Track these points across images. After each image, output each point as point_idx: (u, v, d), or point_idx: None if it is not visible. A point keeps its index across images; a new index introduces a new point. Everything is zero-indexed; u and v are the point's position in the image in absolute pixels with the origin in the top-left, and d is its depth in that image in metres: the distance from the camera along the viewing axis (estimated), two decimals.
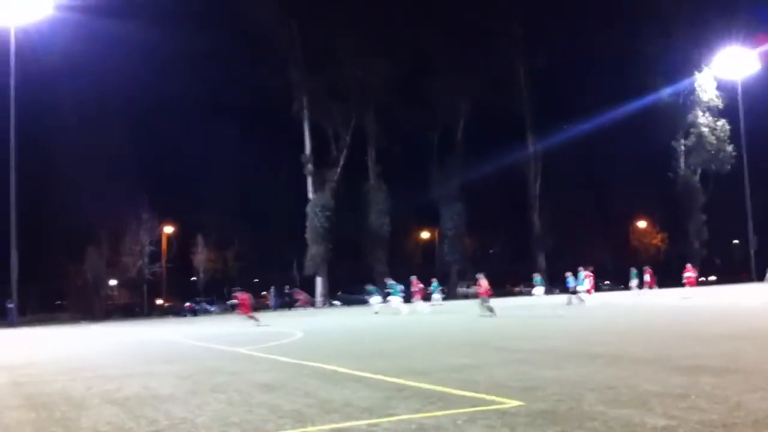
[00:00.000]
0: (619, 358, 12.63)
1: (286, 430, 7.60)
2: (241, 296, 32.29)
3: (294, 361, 14.84)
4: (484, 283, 29.05)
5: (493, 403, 8.37)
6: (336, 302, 64.07)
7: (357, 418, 7.90)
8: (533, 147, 73.04)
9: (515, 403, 8.25)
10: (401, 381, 10.63)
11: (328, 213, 66.38)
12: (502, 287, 62.45)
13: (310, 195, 68.02)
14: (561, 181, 71.18)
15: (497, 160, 68.21)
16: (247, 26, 62.71)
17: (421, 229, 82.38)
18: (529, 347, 15.68)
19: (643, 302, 36.50)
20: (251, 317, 30.57)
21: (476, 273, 30.95)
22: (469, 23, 66.27)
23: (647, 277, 44.51)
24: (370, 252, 69.42)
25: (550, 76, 67.55)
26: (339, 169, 68.30)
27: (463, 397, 8.89)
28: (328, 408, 8.72)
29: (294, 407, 8.90)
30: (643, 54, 65.95)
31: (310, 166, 68.09)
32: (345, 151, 68.66)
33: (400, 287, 38.51)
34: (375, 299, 40.79)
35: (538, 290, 44.97)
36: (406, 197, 68.26)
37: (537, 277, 46.34)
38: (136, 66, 62.11)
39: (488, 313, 27.70)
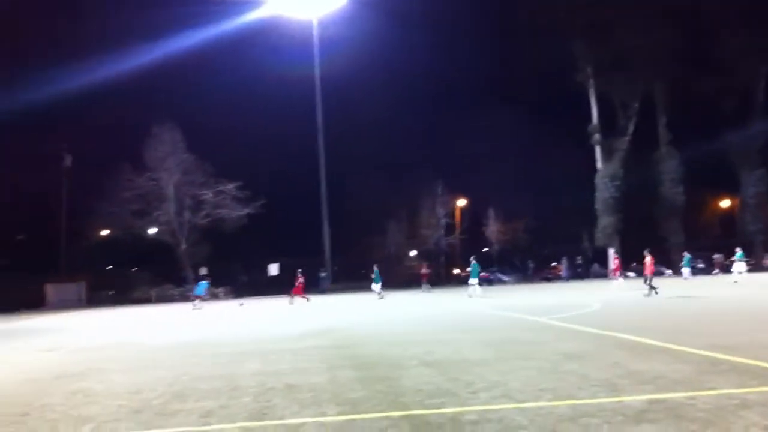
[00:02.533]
0: None
1: (600, 398, 7.69)
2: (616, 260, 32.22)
3: (595, 331, 14.79)
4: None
5: None
6: (630, 274, 62.02)
7: (672, 390, 7.88)
8: None
9: None
10: (712, 354, 10.32)
11: (617, 183, 64.39)
12: None
13: (599, 165, 66.40)
14: None
15: None
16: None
17: (719, 197, 76.66)
18: None
19: None
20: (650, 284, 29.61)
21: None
22: None
23: None
24: (664, 223, 66.15)
25: None
26: (628, 138, 65.76)
27: None
28: (639, 379, 8.72)
29: (604, 376, 8.99)
30: None
31: (597, 136, 66.38)
32: (633, 119, 65.93)
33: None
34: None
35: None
36: (701, 164, 63.83)
37: None
38: (427, 46, 64.72)
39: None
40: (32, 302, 50.18)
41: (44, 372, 12.64)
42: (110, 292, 60.82)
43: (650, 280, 27.79)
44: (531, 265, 66.80)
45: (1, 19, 57.82)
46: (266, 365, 11.78)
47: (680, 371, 9.12)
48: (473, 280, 36.43)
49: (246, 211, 58.00)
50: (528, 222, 69.56)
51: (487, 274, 61.70)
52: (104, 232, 62.67)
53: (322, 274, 54.06)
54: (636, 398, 7.63)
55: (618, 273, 39.54)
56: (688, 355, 10.52)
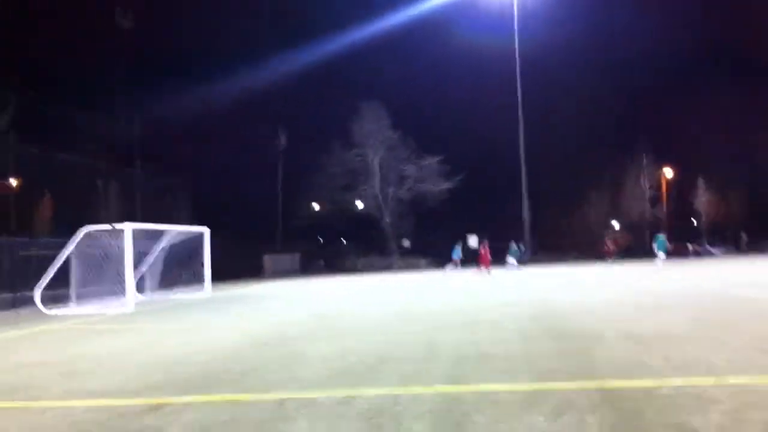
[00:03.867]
0: None
1: None
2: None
3: None
4: None
5: None
6: None
7: None
8: None
9: None
10: None
11: None
12: None
13: None
14: None
15: None
16: None
17: None
18: None
19: None
20: None
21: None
22: None
23: None
24: None
25: None
26: None
27: None
28: None
29: None
30: None
31: None
32: None
33: None
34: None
35: None
36: None
37: None
38: (630, 11, 62.24)
39: None
40: (253, 271, 54.38)
41: (264, 336, 14.00)
42: (321, 262, 64.67)
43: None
44: (744, 237, 62.35)
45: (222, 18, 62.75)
46: (463, 334, 12.32)
47: None
48: (661, 254, 35.87)
49: (447, 185, 59.21)
50: (741, 192, 65.23)
51: (694, 248, 58.84)
52: (316, 207, 66.60)
53: (515, 248, 54.14)
54: None
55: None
56: None
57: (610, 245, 51.20)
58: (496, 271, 38.46)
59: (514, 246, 44.34)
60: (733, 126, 63.71)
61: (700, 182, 66.03)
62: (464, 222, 58.86)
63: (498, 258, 42.68)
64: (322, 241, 74.58)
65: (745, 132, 63.12)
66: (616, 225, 64.45)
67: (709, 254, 58.47)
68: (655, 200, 66.03)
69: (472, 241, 57.73)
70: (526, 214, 56.10)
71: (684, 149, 63.12)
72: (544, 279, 31.70)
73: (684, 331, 11.46)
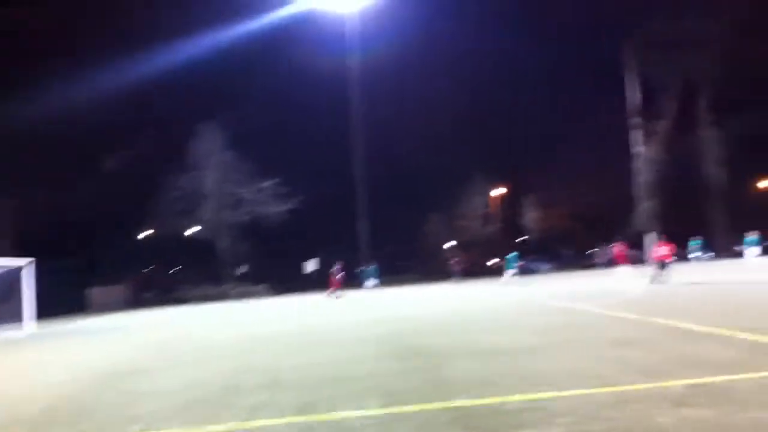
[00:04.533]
0: None
1: (643, 383, 7.72)
2: (618, 247, 31.92)
3: (638, 317, 14.76)
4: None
5: None
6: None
7: (717, 373, 7.88)
8: None
9: None
10: (755, 337, 10.26)
11: (658, 166, 63.61)
12: None
13: (639, 148, 65.62)
14: None
15: None
16: None
17: (764, 178, 75.15)
18: None
19: None
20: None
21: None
22: None
23: None
24: (706, 205, 65.23)
25: None
26: (668, 120, 64.86)
27: None
28: (683, 363, 8.73)
29: (648, 362, 9.01)
30: None
31: (638, 119, 65.60)
32: (675, 101, 65.00)
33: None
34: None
35: None
36: (745, 145, 62.66)
37: None
38: (464, 33, 64.74)
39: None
40: (76, 305, 51.22)
41: (97, 372, 12.98)
42: (152, 293, 61.98)
43: (660, 267, 26.90)
44: (570, 252, 66.34)
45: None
46: (310, 357, 12.00)
47: (727, 355, 9.10)
48: (510, 270, 37.06)
49: (285, 207, 58.58)
50: (566, 209, 69.29)
51: (524, 263, 61.62)
52: (147, 233, 63.87)
53: (362, 268, 54.34)
54: (680, 383, 7.63)
55: (623, 261, 38.88)
56: (735, 339, 10.47)
57: (455, 263, 52.64)
58: (352, 293, 38.36)
59: (370, 267, 44.56)
60: (558, 144, 67.60)
61: (529, 200, 69.36)
62: (304, 245, 58.56)
63: (352, 279, 42.66)
64: (154, 269, 71.59)
65: (569, 150, 67.10)
66: (452, 244, 66.47)
67: (539, 270, 61.38)
68: (488, 219, 68.72)
69: (310, 265, 57.55)
70: (364, 235, 56.53)
71: (515, 168, 66.12)
72: (391, 298, 32.02)
73: (526, 345, 11.71)
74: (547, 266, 63.80)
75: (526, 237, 71.54)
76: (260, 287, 58.42)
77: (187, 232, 60.83)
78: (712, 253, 61.83)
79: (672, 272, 26.23)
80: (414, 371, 9.80)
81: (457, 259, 54.08)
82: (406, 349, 12.28)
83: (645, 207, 63.87)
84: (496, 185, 68.22)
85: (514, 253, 37.51)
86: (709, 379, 7.66)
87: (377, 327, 17.43)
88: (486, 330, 14.81)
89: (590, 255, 69.34)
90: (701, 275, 31.96)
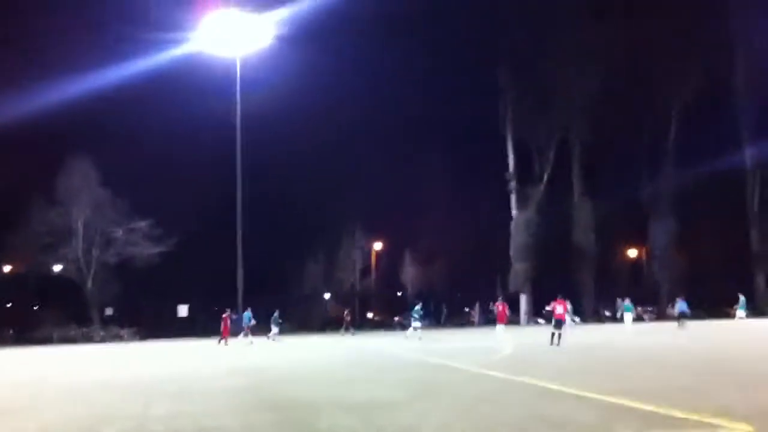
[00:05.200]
0: None
1: None
2: (500, 306, 32.26)
3: (507, 376, 15.02)
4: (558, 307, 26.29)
5: (720, 427, 8.17)
6: (540, 320, 63.22)
7: None
8: (751, 155, 67.74)
9: (745, 428, 8.04)
10: (616, 400, 10.56)
11: (532, 230, 65.86)
12: (716, 308, 58.58)
13: (514, 211, 67.92)
14: None
15: (712, 172, 64.26)
16: (455, 41, 63.47)
17: (630, 246, 79.27)
18: (752, 370, 14.97)
19: None
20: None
21: (682, 293, 29.16)
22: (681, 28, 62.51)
23: None
24: (576, 269, 67.88)
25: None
26: (543, 186, 67.54)
27: (687, 420, 8.75)
28: (548, 423, 8.87)
29: (514, 421, 9.10)
30: None
31: (513, 183, 68.06)
32: (549, 167, 67.84)
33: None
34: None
35: (740, 313, 42.68)
36: (614, 213, 65.94)
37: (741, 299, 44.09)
38: (348, 88, 65.46)
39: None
40: None
41: None
42: (10, 331, 58.17)
43: (557, 326, 27.08)
44: (445, 310, 67.39)
45: None
46: (178, 405, 11.51)
47: (588, 416, 9.29)
48: (416, 323, 36.73)
49: (158, 249, 56.67)
50: (443, 266, 70.47)
51: (400, 319, 62.04)
52: (7, 268, 60.28)
53: (234, 316, 53.31)
54: None
55: (503, 320, 39.91)
56: (597, 401, 10.74)
57: (347, 315, 52.42)
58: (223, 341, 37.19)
59: (276, 315, 43.74)
60: (437, 202, 68.82)
61: (407, 255, 70.15)
62: (179, 289, 56.87)
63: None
64: (10, 306, 67.42)
65: (448, 209, 68.51)
66: (327, 296, 66.21)
67: (410, 327, 61.74)
68: (366, 272, 68.96)
69: (182, 310, 55.96)
70: (240, 283, 55.35)
71: (393, 224, 66.85)
72: (272, 349, 31.46)
73: (394, 398, 11.68)
74: (422, 323, 64.25)
75: (403, 292, 72.20)
76: (128, 330, 55.88)
77: (54, 269, 57.75)
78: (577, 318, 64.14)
79: (566, 331, 26.45)
80: (288, 423, 9.59)
81: (348, 310, 53.94)
82: (282, 400, 12.02)
83: (519, 268, 65.80)
84: (375, 239, 68.77)
85: (419, 305, 37.54)
86: None
87: (254, 375, 17.09)
88: (361, 382, 14.75)
89: (466, 313, 70.67)
90: (576, 338, 33.07)
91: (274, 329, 42.11)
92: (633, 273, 75.37)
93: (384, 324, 57.40)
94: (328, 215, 64.56)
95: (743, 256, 68.33)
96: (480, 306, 67.93)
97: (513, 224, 67.03)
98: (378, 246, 69.61)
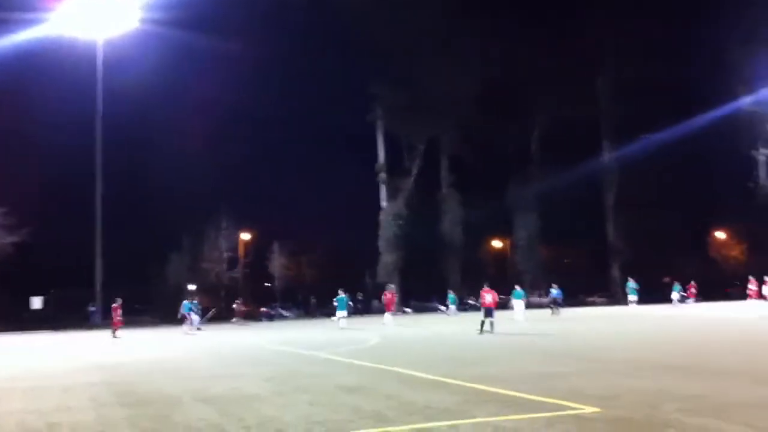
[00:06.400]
0: (699, 368, 12.63)
1: (368, 428, 7.87)
2: (389, 294, 31.74)
3: (373, 365, 15.19)
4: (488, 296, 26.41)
5: (570, 408, 8.52)
6: (408, 310, 64.22)
7: (437, 419, 8.17)
8: (609, 157, 71.62)
9: (593, 409, 8.40)
10: (480, 386, 10.84)
11: (400, 222, 66.62)
12: (575, 298, 61.56)
13: (383, 203, 68.51)
14: (637, 191, 69.45)
15: (573, 170, 67.30)
16: (327, 34, 63.23)
17: (495, 238, 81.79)
18: (608, 357, 15.72)
19: (717, 315, 35.65)
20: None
21: (551, 283, 29.87)
22: (551, 34, 65.07)
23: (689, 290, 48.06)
24: (443, 261, 69.32)
25: (629, 85, 65.83)
26: (412, 178, 68.45)
27: (542, 402, 9.08)
28: (409, 410, 9.00)
29: (375, 408, 9.21)
30: (724, 62, 63.99)
31: (383, 175, 68.59)
32: (418, 160, 68.81)
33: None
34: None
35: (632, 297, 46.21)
36: (480, 206, 67.75)
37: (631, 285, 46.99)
38: (217, 76, 63.99)
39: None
40: None
41: None
42: None
43: (487, 314, 26.91)
44: (313, 300, 67.25)
45: None
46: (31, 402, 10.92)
47: (448, 401, 9.49)
48: (341, 312, 36.25)
49: (11, 239, 53.43)
50: (313, 257, 70.28)
51: (267, 310, 61.51)
52: None
53: (92, 308, 51.19)
54: (402, 428, 7.86)
55: (391, 308, 40.58)
56: (458, 387, 10.99)
57: (239, 306, 51.45)
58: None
59: (91, 307, 42.00)
60: (307, 193, 68.54)
61: (276, 247, 69.37)
62: (35, 280, 53.98)
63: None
64: None
65: (317, 200, 68.40)
66: (192, 287, 64.33)
67: (282, 317, 61.40)
68: (233, 263, 67.64)
69: (36, 303, 53.35)
70: (99, 275, 53.18)
71: (262, 214, 65.91)
72: (136, 341, 30.44)
73: (257, 390, 11.58)
74: (291, 313, 63.98)
75: (272, 283, 71.45)
76: None
77: None
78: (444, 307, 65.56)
79: (496, 320, 26.32)
80: (144, 418, 9.31)
81: (240, 301, 52.91)
82: (140, 395, 11.68)
83: (387, 259, 66.48)
84: (243, 230, 67.59)
85: (343, 296, 37.16)
86: (433, 425, 7.93)
87: (112, 370, 16.49)
88: (223, 375, 14.49)
89: (334, 304, 70.55)
90: (444, 326, 33.82)
91: (195, 318, 40.15)
92: (498, 264, 77.81)
93: (251, 315, 56.60)
94: (194, 205, 62.76)
95: (601, 248, 72.17)
96: (347, 296, 68.21)
97: (382, 216, 67.61)
98: (246, 236, 68.44)
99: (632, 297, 46.04)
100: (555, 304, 43.07)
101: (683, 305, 47.29)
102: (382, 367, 14.69)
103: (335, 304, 37.59)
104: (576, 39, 65.97)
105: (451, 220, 68.86)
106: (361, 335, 27.46)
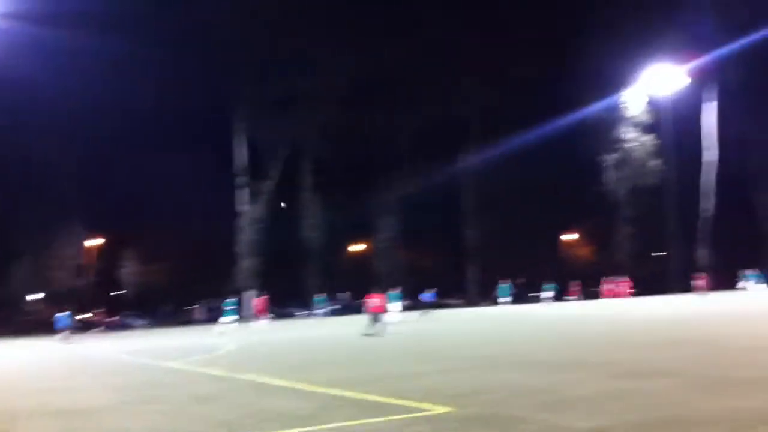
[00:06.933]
0: (556, 364, 13.02)
1: None
2: (259, 300, 30.78)
3: (227, 373, 14.85)
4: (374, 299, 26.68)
5: (425, 410, 8.54)
6: (269, 315, 63.32)
7: (290, 426, 8.01)
8: (467, 159, 73.46)
9: (447, 409, 8.44)
10: (336, 391, 10.73)
11: (261, 226, 65.84)
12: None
13: (243, 207, 67.34)
14: (493, 195, 71.78)
15: (433, 173, 68.87)
16: (188, 33, 61.31)
17: (356, 242, 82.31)
18: (467, 355, 15.99)
19: (573, 313, 37.38)
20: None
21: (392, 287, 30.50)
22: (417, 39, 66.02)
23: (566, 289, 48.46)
24: (304, 265, 69.09)
25: (487, 92, 67.88)
26: (274, 181, 67.72)
27: (397, 405, 9.05)
28: (262, 417, 8.82)
29: (228, 417, 8.96)
30: (574, 69, 67.09)
31: (243, 178, 67.41)
32: (280, 164, 68.16)
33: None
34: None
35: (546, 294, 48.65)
36: (341, 210, 68.05)
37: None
38: (69, 75, 60.81)
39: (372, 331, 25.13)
40: None
41: None
42: None
43: (374, 319, 26.82)
44: (167, 308, 65.38)
45: None
46: None
47: (303, 408, 9.34)
48: (225, 318, 34.90)
49: None
50: (168, 264, 68.37)
51: (119, 319, 59.39)
52: None
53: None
54: None
55: (262, 314, 40.23)
56: (314, 393, 10.86)
57: (100, 315, 49.40)
58: None
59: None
60: (163, 199, 66.23)
61: (128, 253, 66.99)
62: None
63: None
64: None
65: (174, 205, 66.27)
66: (38, 296, 61.06)
67: (134, 325, 59.31)
68: (82, 270, 64.71)
69: None
70: None
71: (115, 219, 63.36)
72: None
73: (104, 402, 11.12)
74: (142, 322, 61.77)
75: (123, 291, 68.86)
76: None
77: None
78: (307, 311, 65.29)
79: (385, 323, 26.00)
80: None
81: (102, 310, 50.68)
82: None
83: (246, 265, 65.44)
84: (94, 235, 64.65)
85: (233, 300, 35.78)
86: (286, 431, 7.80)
87: None
88: (67, 388, 13.79)
89: (190, 311, 68.85)
90: (321, 330, 33.58)
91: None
92: (358, 267, 78.24)
93: (100, 324, 54.29)
94: (40, 210, 59.44)
95: (459, 250, 74.14)
96: (205, 303, 66.82)
97: (242, 219, 66.50)
98: (97, 242, 65.51)
99: (504, 298, 47.55)
100: (425, 306, 44.14)
101: (553, 304, 49.87)
102: (237, 375, 14.39)
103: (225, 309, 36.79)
104: (437, 45, 67.13)
105: (312, 223, 68.74)
106: (217, 342, 26.87)
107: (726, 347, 14.70)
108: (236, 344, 25.31)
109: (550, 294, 52.86)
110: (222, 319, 35.91)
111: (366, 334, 24.77)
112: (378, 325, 25.43)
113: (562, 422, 7.35)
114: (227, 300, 36.53)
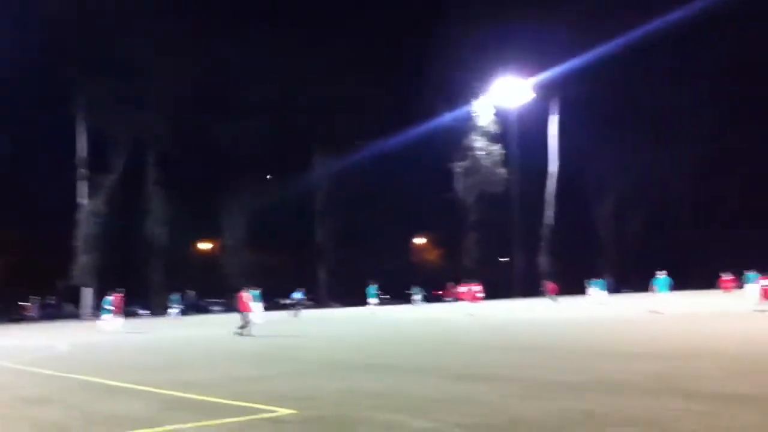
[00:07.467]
0: (399, 367, 13.32)
1: None
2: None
3: (60, 374, 14.21)
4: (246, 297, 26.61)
5: (267, 411, 8.51)
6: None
7: (122, 428, 7.81)
8: (320, 163, 73.51)
9: (288, 411, 8.43)
10: (174, 393, 10.49)
11: (100, 220, 62.79)
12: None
13: (83, 200, 64.00)
14: (345, 199, 72.28)
15: (285, 175, 68.51)
16: (34, 24, 57.71)
17: (204, 240, 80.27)
18: (314, 359, 16.05)
19: (425, 316, 38.23)
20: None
21: (252, 286, 30.11)
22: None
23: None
24: (146, 262, 66.57)
25: (342, 100, 68.35)
26: (117, 175, 64.78)
27: (238, 407, 8.95)
28: (92, 420, 8.53)
29: (57, 420, 8.63)
30: (426, 79, 68.70)
31: (83, 170, 64.03)
32: (124, 157, 65.31)
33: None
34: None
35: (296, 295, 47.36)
36: (189, 207, 66.13)
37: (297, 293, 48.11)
38: None
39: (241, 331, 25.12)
40: None
41: None
42: None
43: (245, 318, 25.72)
44: None
45: None
46: None
47: (137, 410, 9.09)
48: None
49: None
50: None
51: None
52: None
53: None
54: None
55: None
56: (152, 394, 10.58)
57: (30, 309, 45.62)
58: None
59: None
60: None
61: None
62: None
63: None
64: None
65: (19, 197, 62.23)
66: None
67: None
68: None
69: None
70: None
71: None
72: None
73: None
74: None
75: None
76: None
77: None
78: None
79: (251, 323, 25.46)
80: None
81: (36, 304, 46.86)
82: None
83: (84, 260, 62.25)
84: None
85: (108, 299, 34.10)
86: None
87: None
88: None
89: (23, 307, 64.73)
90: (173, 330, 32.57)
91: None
92: (206, 265, 76.49)
93: None
94: None
95: (309, 251, 74.07)
96: (38, 299, 63.20)
97: (80, 213, 63.15)
98: None
99: (372, 300, 47.48)
100: (296, 306, 43.98)
101: (425, 305, 51.82)
102: (71, 375, 13.75)
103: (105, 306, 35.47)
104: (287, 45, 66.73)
105: (156, 219, 66.35)
106: (50, 342, 25.59)
107: (560, 351, 15.54)
108: (69, 344, 24.13)
109: (419, 296, 54.42)
110: (104, 317, 34.83)
111: (237, 333, 24.82)
112: (247, 324, 25.38)
113: (398, 423, 7.51)
114: (105, 298, 35.40)
